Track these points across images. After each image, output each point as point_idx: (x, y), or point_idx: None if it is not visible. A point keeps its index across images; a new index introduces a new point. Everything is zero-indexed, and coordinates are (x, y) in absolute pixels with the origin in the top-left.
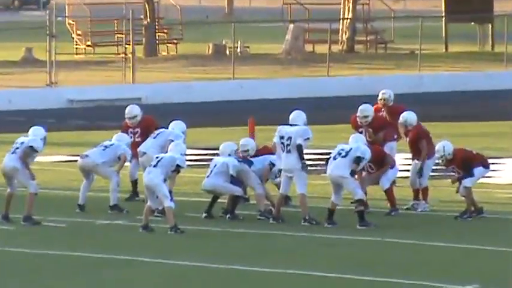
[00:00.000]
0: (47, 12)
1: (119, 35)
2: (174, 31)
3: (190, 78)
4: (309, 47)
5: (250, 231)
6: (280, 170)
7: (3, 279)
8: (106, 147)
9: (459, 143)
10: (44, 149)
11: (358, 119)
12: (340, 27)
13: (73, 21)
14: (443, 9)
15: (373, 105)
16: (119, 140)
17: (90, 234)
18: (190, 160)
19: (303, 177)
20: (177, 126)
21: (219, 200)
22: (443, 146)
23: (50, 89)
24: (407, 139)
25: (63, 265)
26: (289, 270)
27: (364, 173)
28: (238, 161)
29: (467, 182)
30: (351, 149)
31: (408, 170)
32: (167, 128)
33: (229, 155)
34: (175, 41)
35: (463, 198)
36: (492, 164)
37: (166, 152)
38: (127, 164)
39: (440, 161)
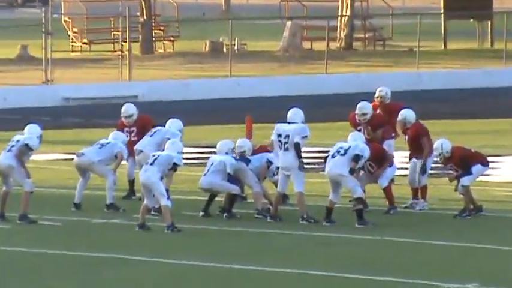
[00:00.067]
0: (43, 10)
1: (115, 33)
2: (170, 28)
3: (187, 75)
4: (306, 44)
5: (248, 229)
6: (277, 168)
7: (4, 277)
8: (102, 145)
9: (458, 141)
10: (39, 147)
11: (356, 117)
12: (338, 24)
13: (69, 18)
14: (442, 6)
15: (370, 103)
16: (115, 138)
17: (86, 233)
18: (187, 158)
19: (300, 175)
20: (174, 124)
21: (216, 199)
22: (442, 144)
23: (45, 87)
24: (407, 137)
25: (59, 264)
26: (287, 269)
27: (361, 172)
28: (236, 159)
29: (465, 180)
30: (349, 147)
31: (407, 168)
32: (164, 126)
33: (227, 153)
34: (172, 39)
35: (462, 196)
36: (491, 162)
37: (163, 150)
38: (123, 162)
39: (438, 159)
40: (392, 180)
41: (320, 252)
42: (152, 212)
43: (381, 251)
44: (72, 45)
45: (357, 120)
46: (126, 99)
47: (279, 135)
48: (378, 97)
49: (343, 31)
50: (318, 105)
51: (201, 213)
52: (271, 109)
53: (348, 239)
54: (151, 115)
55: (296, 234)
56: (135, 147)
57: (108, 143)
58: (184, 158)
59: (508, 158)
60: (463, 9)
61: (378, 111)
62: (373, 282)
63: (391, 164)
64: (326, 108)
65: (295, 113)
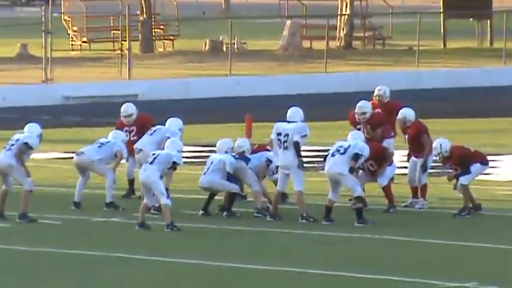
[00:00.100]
0: (43, 8)
1: (115, 31)
2: (170, 27)
3: (186, 74)
4: (306, 43)
5: (247, 228)
6: (277, 167)
7: (1, 276)
8: (102, 144)
9: (457, 140)
10: (39, 146)
11: (356, 116)
12: (338, 23)
13: (69, 17)
14: (441, 5)
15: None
16: (115, 137)
17: (86, 232)
18: (187, 157)
19: (300, 174)
20: (173, 123)
21: (215, 197)
22: (440, 144)
23: (45, 86)
24: (407, 135)
25: (58, 263)
26: (286, 268)
27: (360, 172)
28: (235, 158)
29: (463, 179)
30: (349, 145)
31: (406, 167)
32: (164, 124)
33: (226, 152)
34: (171, 37)
35: (462, 194)
36: (491, 161)
37: (163, 149)
38: (123, 161)
39: (437, 158)
40: (392, 179)
41: (319, 251)
42: (152, 211)
43: (380, 250)
44: (72, 44)
45: (357, 119)
46: (126, 98)
47: (279, 134)
48: (376, 96)
49: (343, 30)
50: (317, 104)
51: (201, 212)
52: (271, 108)
53: (348, 238)
54: (151, 114)
55: (295, 233)
56: (134, 146)
57: (107, 142)
58: (184, 157)
59: (508, 157)
60: (463, 8)
61: (377, 110)
62: (373, 281)
63: (391, 162)
64: (326, 107)
65: (294, 112)
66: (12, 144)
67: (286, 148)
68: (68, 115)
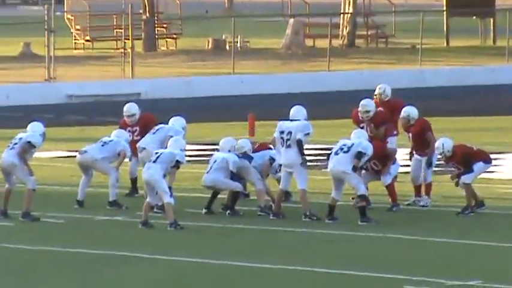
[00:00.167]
0: (45, 7)
1: (118, 30)
2: (173, 26)
3: (190, 73)
4: (309, 42)
5: (251, 227)
6: (280, 165)
7: (1, 276)
8: (105, 143)
9: (460, 138)
10: (42, 144)
11: (359, 114)
12: (341, 21)
13: (72, 15)
14: (444, 3)
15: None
16: (118, 136)
17: (89, 231)
18: (190, 156)
19: (303, 172)
20: (176, 122)
21: (219, 196)
22: (443, 143)
23: (48, 84)
24: (411, 133)
25: (62, 261)
26: (289, 267)
27: (363, 172)
28: (238, 156)
29: (466, 178)
30: (352, 144)
31: (409, 165)
32: (167, 123)
33: (229, 150)
34: (174, 36)
35: (464, 192)
36: (494, 159)
37: (166, 147)
38: (126, 160)
39: (441, 157)
40: (395, 178)
41: (323, 250)
42: (155, 210)
43: (383, 249)
44: (75, 43)
45: (360, 118)
46: (129, 97)
47: (282, 132)
48: (376, 94)
49: (346, 28)
50: (320, 103)
51: (204, 210)
52: (274, 106)
53: (351, 236)
54: (154, 112)
55: (299, 232)
56: (137, 145)
57: (111, 141)
58: (187, 156)
59: (511, 155)
60: (466, 6)
61: (380, 108)
62: (376, 280)
63: (394, 161)
64: (329, 106)
65: (297, 110)
66: (16, 143)
67: (289, 146)
68: (71, 114)
